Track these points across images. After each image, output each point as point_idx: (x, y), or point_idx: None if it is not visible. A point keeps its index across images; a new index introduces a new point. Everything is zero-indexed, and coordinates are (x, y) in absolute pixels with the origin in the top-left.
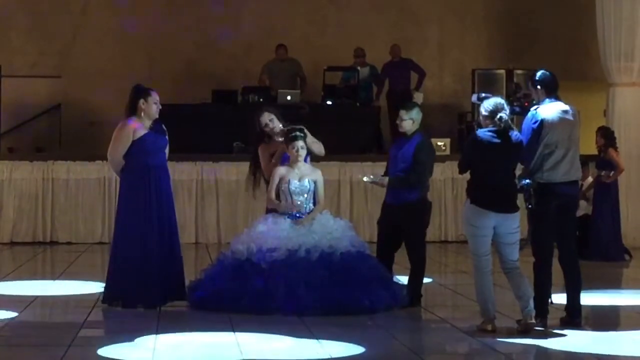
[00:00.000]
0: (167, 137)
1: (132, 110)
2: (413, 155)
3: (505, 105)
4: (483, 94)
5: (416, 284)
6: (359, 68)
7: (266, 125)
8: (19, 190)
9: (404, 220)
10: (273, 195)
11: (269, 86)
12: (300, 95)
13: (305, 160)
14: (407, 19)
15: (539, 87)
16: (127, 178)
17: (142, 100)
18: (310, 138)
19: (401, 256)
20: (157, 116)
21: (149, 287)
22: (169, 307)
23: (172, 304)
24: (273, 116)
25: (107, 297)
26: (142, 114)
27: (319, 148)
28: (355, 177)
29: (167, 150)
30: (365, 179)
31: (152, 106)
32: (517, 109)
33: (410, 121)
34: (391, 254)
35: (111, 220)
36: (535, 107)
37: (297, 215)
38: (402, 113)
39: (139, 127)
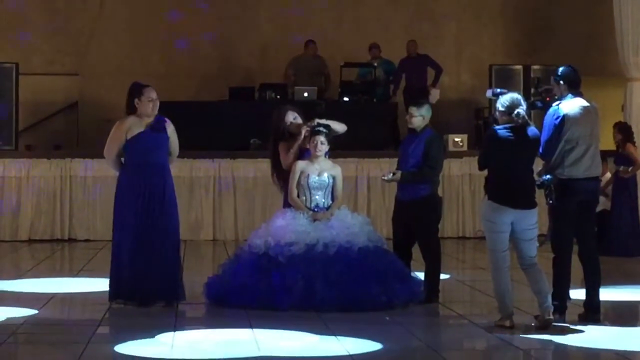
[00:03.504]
0: (167, 133)
1: (130, 108)
2: (424, 150)
3: (522, 101)
4: (498, 90)
5: (432, 280)
6: (375, 64)
7: (290, 123)
8: (37, 187)
9: (415, 216)
10: (295, 194)
11: (294, 81)
12: (324, 93)
13: (325, 156)
14: (424, 14)
15: (561, 82)
16: (121, 176)
17: (136, 100)
18: (331, 122)
19: (419, 252)
20: (153, 113)
21: (134, 284)
22: (186, 303)
23: (168, 303)
24: (296, 114)
25: (112, 294)
26: (139, 112)
27: (341, 126)
28: (372, 174)
29: (174, 147)
30: (384, 177)
31: (146, 104)
32: (539, 104)
33: (420, 118)
34: (408, 250)
35: None
36: (557, 102)
37: (316, 209)
38: (413, 110)
39: (134, 126)
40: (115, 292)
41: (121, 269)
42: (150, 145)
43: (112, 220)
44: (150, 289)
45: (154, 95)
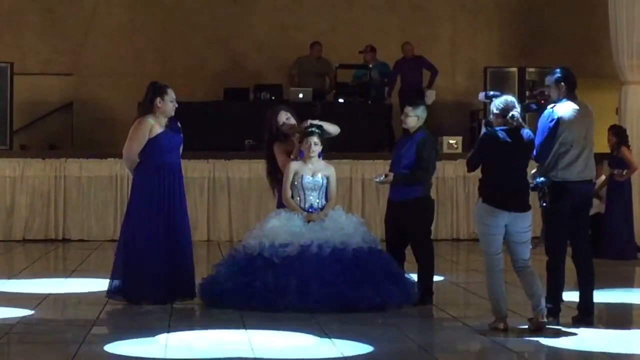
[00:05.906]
0: (182, 135)
1: (148, 107)
2: (416, 152)
3: (516, 104)
4: (491, 92)
5: (426, 281)
6: (370, 66)
7: (283, 123)
8: (31, 187)
9: (407, 218)
10: (289, 194)
11: (296, 82)
12: (327, 95)
13: (319, 157)
14: (419, 16)
15: (562, 83)
16: (139, 176)
17: (158, 99)
18: (324, 123)
19: (412, 253)
20: (173, 114)
21: (157, 284)
22: (180, 304)
23: (183, 301)
24: (289, 114)
25: (120, 291)
26: (158, 112)
27: (334, 128)
28: (367, 175)
29: (181, 149)
30: (376, 179)
31: (169, 104)
32: (533, 106)
33: (415, 118)
34: (401, 251)
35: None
36: (552, 105)
37: (310, 209)
38: (409, 110)
39: (155, 125)
40: (129, 291)
41: (136, 269)
42: (170, 146)
43: (107, 221)
44: (179, 288)
45: (174, 95)
